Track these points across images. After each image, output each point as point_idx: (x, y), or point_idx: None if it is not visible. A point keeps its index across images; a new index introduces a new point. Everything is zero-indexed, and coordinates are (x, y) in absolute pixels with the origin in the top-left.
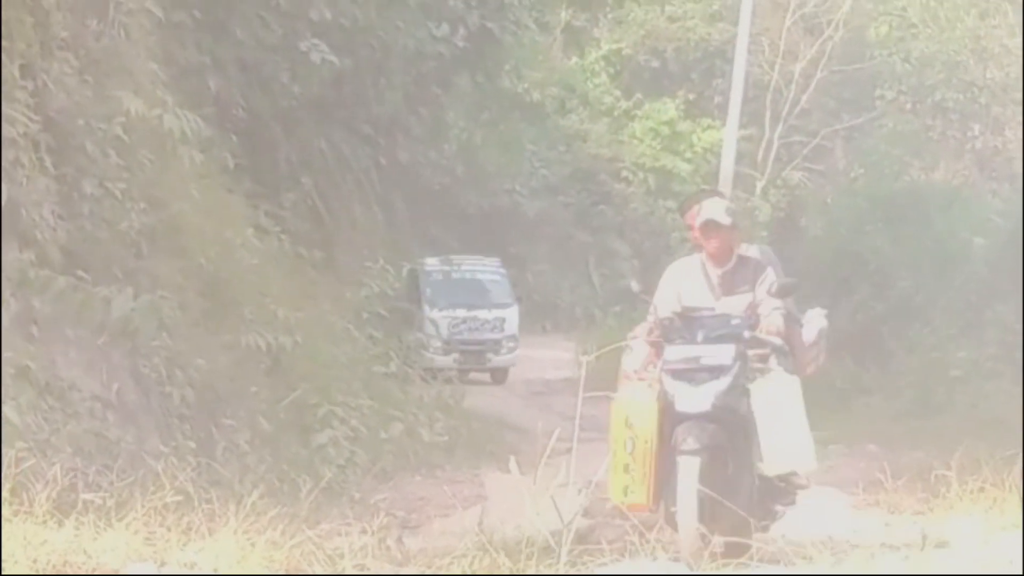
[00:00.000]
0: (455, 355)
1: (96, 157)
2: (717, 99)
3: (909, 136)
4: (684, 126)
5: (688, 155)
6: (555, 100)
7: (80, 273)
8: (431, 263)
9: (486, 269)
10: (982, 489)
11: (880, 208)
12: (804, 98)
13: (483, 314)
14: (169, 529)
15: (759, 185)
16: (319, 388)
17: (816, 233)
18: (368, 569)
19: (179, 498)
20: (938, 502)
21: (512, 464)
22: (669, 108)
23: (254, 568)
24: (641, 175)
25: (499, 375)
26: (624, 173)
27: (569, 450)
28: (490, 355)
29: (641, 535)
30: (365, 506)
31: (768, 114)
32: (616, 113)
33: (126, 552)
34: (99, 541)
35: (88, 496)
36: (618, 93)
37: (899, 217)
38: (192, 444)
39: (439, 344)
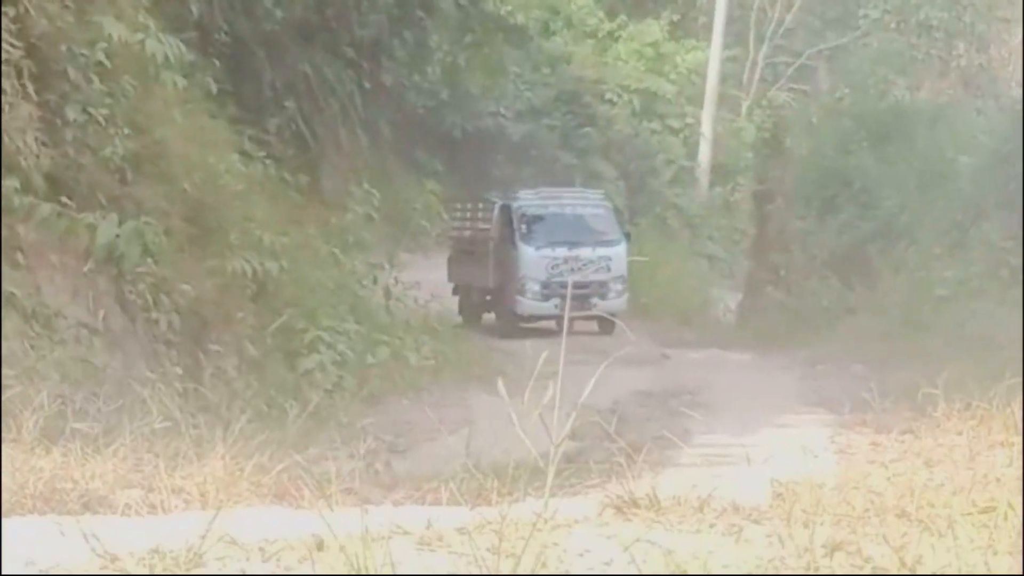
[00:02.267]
0: (555, 300)
1: (79, 83)
2: (701, 20)
3: (893, 55)
4: (668, 47)
5: (672, 76)
6: (539, 22)
7: (64, 200)
8: (525, 196)
9: (588, 202)
10: (968, 407)
11: (865, 127)
12: (789, 18)
13: (586, 252)
14: (157, 455)
15: (744, 106)
16: (305, 313)
17: (801, 153)
18: (356, 492)
19: (167, 424)
20: (925, 421)
21: (500, 386)
22: (653, 29)
23: (242, 492)
24: (626, 97)
25: (607, 324)
26: (608, 95)
27: (556, 372)
28: (595, 299)
29: (629, 457)
30: (352, 430)
31: (752, 34)
32: (600, 35)
33: (114, 478)
34: (87, 467)
35: (76, 424)
36: (602, 15)
37: (884, 136)
38: (179, 370)
39: (537, 288)
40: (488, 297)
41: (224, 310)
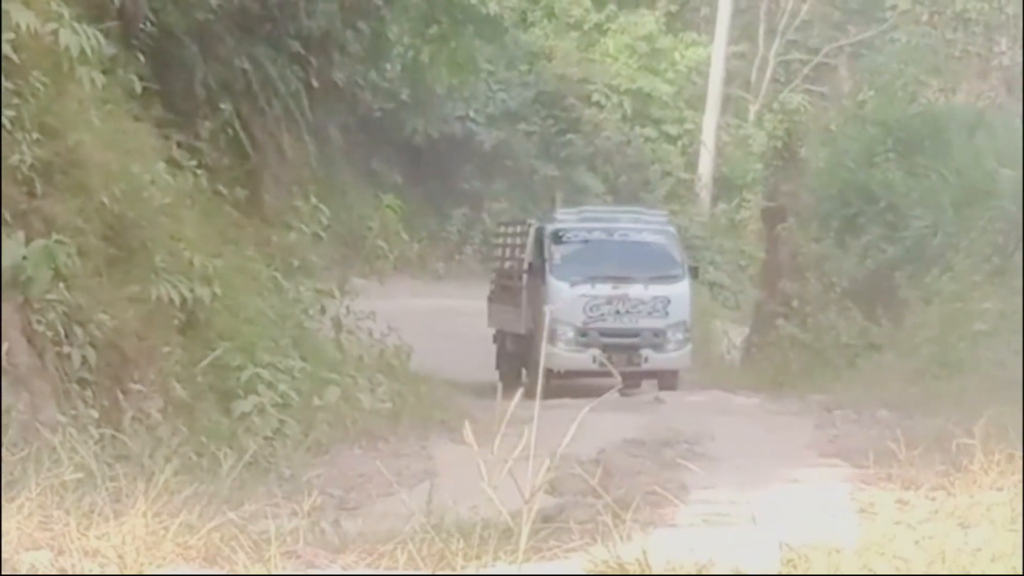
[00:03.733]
0: (594, 349)
1: None
2: (703, 10)
3: (926, 52)
4: (665, 42)
5: (670, 75)
6: (515, 12)
7: None
8: (563, 217)
9: (645, 226)
10: (1010, 459)
11: (892, 136)
12: (805, 8)
13: (637, 291)
14: (68, 511)
15: (753, 110)
16: (242, 347)
17: (818, 165)
18: (299, 555)
19: (79, 475)
20: (960, 475)
21: (467, 432)
22: (647, 21)
23: (166, 555)
24: (615, 98)
25: (668, 381)
26: (595, 96)
27: (531, 418)
28: (647, 352)
29: (616, 515)
30: (296, 484)
31: (763, 27)
32: (586, 27)
33: (18, 538)
34: None
35: None
36: (588, 4)
37: (914, 146)
38: (95, 413)
39: (571, 335)
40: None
41: (148, 344)
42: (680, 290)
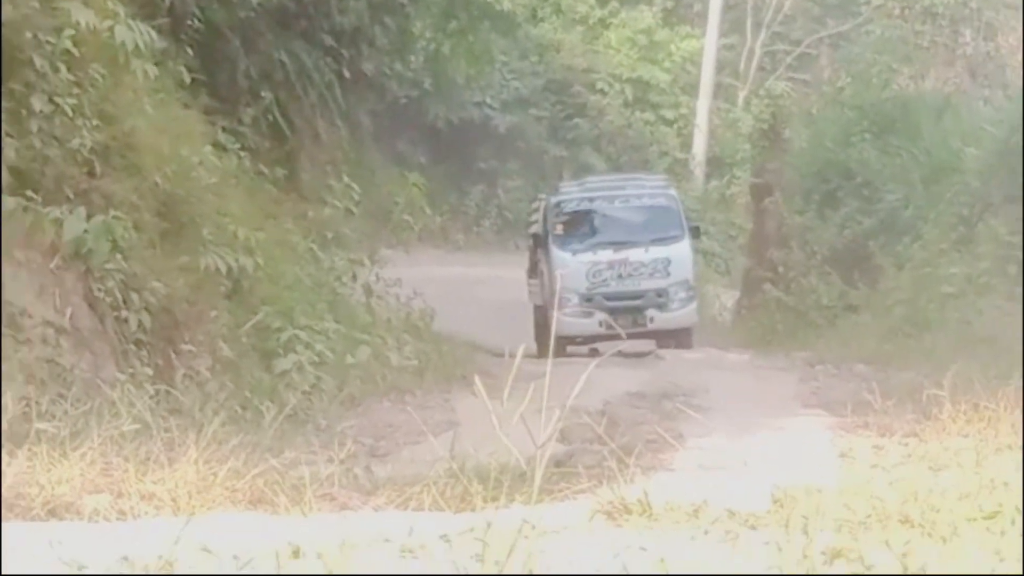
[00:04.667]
0: (600, 315)
1: (45, 72)
2: (696, 6)
3: (897, 43)
4: (662, 35)
5: (666, 65)
6: (527, 9)
7: (30, 193)
8: (566, 188)
9: (644, 191)
10: (975, 408)
11: (867, 118)
12: (788, 4)
13: (637, 254)
14: (127, 459)
15: (741, 96)
16: (282, 311)
17: (801, 145)
18: (335, 498)
19: (136, 427)
20: (930, 423)
21: (477, 386)
22: (646, 16)
23: (215, 498)
24: (617, 86)
25: (682, 341)
26: (599, 84)
27: (544, 374)
28: (652, 312)
29: (620, 460)
30: (331, 433)
31: (750, 22)
32: (591, 22)
33: (81, 483)
34: (53, 472)
35: (41, 426)
36: (592, 1)
37: (887, 127)
38: (149, 371)
39: (575, 301)
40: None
41: (197, 308)
42: (680, 250)
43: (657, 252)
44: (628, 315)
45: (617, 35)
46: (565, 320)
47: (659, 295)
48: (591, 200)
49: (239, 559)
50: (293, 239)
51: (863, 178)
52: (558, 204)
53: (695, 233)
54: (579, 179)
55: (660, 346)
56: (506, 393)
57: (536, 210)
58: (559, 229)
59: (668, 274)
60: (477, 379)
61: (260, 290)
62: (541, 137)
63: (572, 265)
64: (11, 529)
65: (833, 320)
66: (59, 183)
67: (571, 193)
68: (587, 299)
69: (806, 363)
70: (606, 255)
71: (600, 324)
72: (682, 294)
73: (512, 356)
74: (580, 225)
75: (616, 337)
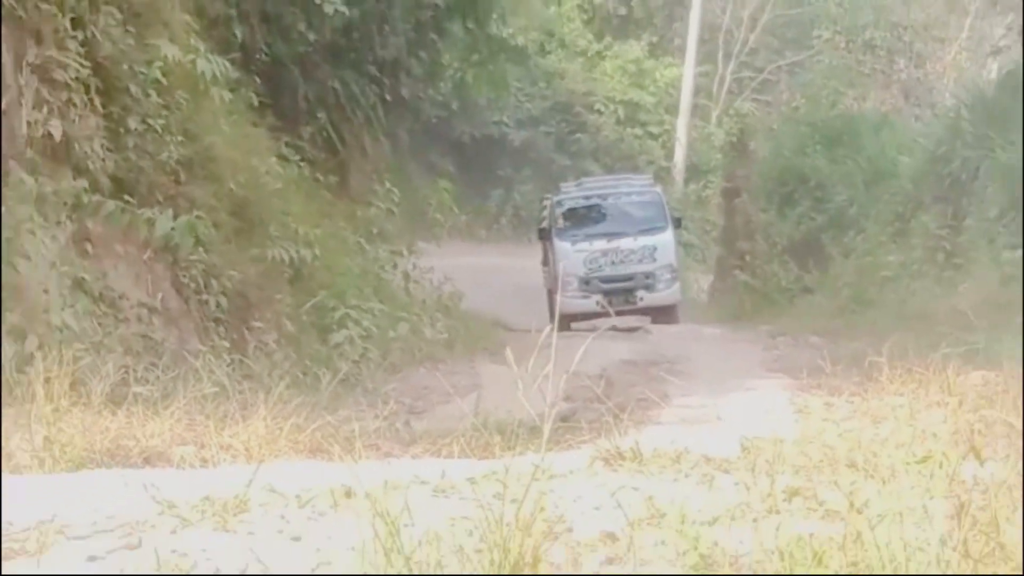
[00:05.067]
0: (596, 296)
1: (139, 97)
2: (676, 41)
3: (843, 70)
4: (648, 64)
5: (652, 89)
6: (536, 43)
7: (127, 198)
8: (565, 188)
9: (632, 189)
10: (909, 372)
11: (819, 133)
12: (752, 38)
13: (627, 243)
14: (208, 417)
15: (714, 114)
16: (335, 294)
17: (764, 155)
18: (379, 448)
19: (216, 390)
20: (871, 384)
21: (508, 355)
22: (635, 49)
23: (281, 448)
24: (612, 107)
25: (669, 316)
26: (597, 105)
27: (550, 344)
28: (641, 292)
29: (615, 416)
30: (377, 395)
31: (721, 53)
32: (589, 54)
33: (170, 437)
34: (147, 427)
35: (138, 389)
36: (591, 37)
37: (835, 140)
38: (226, 344)
39: (575, 285)
40: None
41: (265, 292)
42: (665, 238)
43: (644, 241)
44: (621, 295)
45: (611, 65)
46: (567, 300)
47: (647, 277)
48: (587, 198)
49: (301, 499)
50: (344, 234)
51: (815, 182)
52: (559, 202)
53: (678, 224)
54: (578, 180)
55: (653, 321)
56: (530, 363)
57: (544, 208)
58: (560, 223)
59: (654, 259)
60: (508, 351)
61: (317, 277)
62: (549, 149)
63: (572, 253)
64: (113, 474)
65: (791, 300)
66: (151, 189)
67: (571, 192)
68: (585, 282)
69: (769, 335)
70: (601, 244)
71: (597, 303)
72: (667, 276)
73: (538, 331)
74: (578, 219)
75: (619, 313)
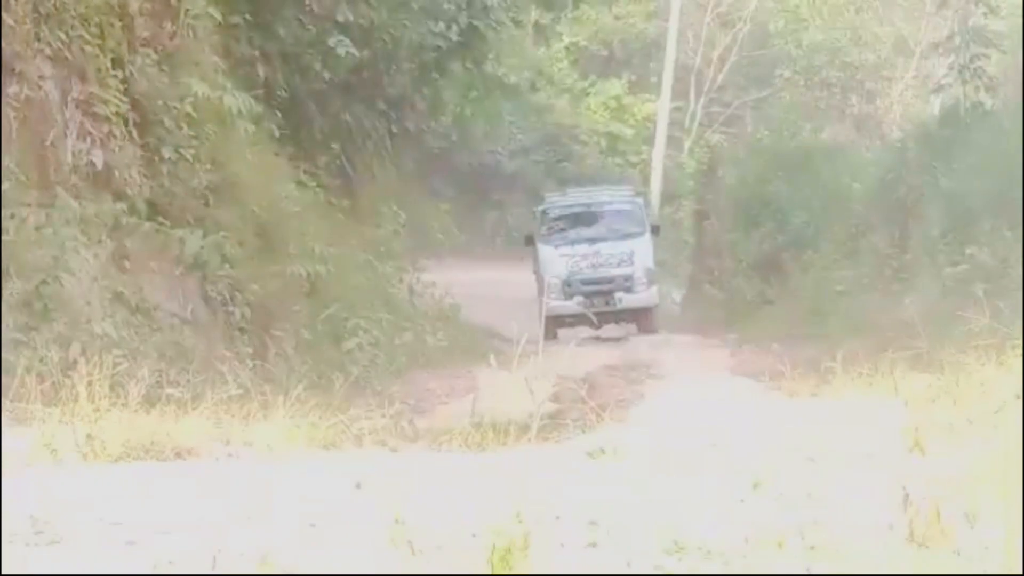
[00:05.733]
0: (578, 298)
1: (172, 129)
2: (653, 79)
3: (802, 106)
4: (628, 100)
5: (631, 123)
6: (527, 81)
7: (161, 219)
8: (552, 198)
9: (614, 198)
10: (860, 375)
11: (780, 162)
12: (720, 77)
13: (607, 248)
14: (233, 416)
15: (686, 145)
16: (347, 306)
17: (731, 182)
18: (386, 443)
19: (240, 392)
20: (826, 386)
21: (492, 359)
22: (616, 86)
23: (299, 444)
24: (595, 138)
25: (646, 322)
26: (581, 137)
27: (536, 352)
28: (620, 294)
29: (598, 415)
30: (384, 396)
31: (693, 90)
32: (575, 91)
33: (199, 434)
34: (178, 425)
35: (170, 391)
36: (576, 75)
37: (794, 168)
38: (250, 350)
39: (558, 286)
40: None
41: (284, 304)
42: (642, 243)
43: (623, 246)
44: (601, 297)
45: (594, 101)
46: (551, 303)
47: (625, 280)
48: (571, 206)
49: (299, 485)
50: (355, 252)
51: (776, 206)
52: (545, 210)
53: (655, 231)
54: (563, 191)
55: (629, 322)
56: (513, 366)
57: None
58: (545, 230)
59: (632, 263)
60: (492, 356)
61: (331, 290)
62: (538, 176)
63: (555, 258)
64: (146, 468)
65: (755, 311)
66: (182, 212)
67: (556, 202)
68: (568, 284)
69: (735, 343)
70: (582, 248)
71: (579, 304)
72: (644, 279)
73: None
74: (562, 226)
75: (595, 314)
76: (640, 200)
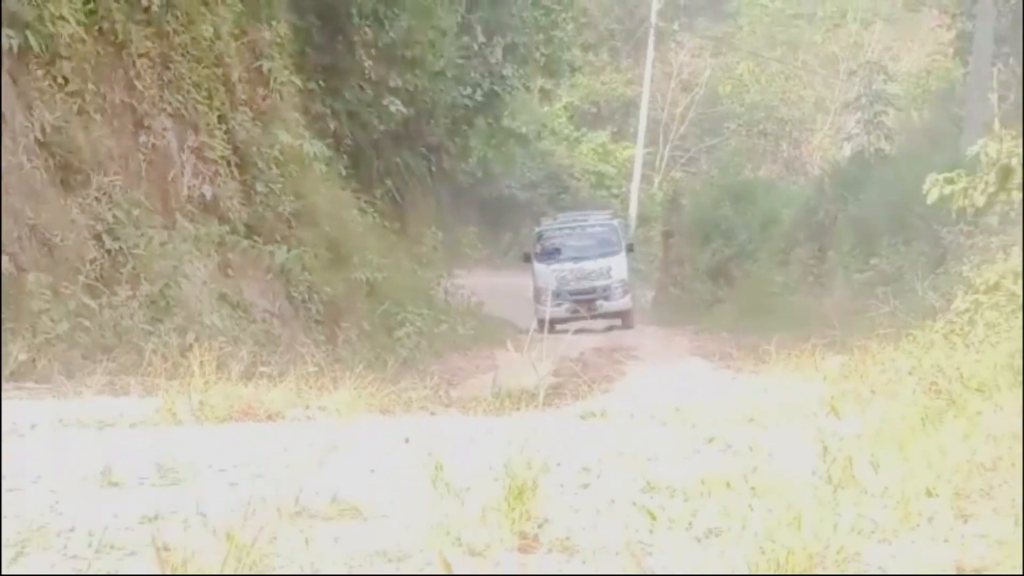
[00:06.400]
0: (566, 304)
1: (264, 169)
2: (631, 130)
3: (744, 150)
4: (611, 147)
5: (614, 164)
6: (534, 132)
7: (255, 238)
8: (545, 222)
9: (597, 222)
10: (789, 356)
11: (727, 193)
12: (682, 129)
13: (589, 264)
14: (310, 387)
15: (656, 181)
16: (397, 303)
17: (690, 208)
18: (428, 408)
19: (315, 369)
20: (764, 365)
21: (509, 345)
22: (602, 136)
23: (360, 409)
24: (586, 176)
25: (626, 320)
26: (576, 175)
27: (542, 339)
28: (600, 302)
29: (588, 387)
30: (426, 372)
31: (661, 139)
32: (571, 139)
33: (285, 401)
34: (270, 395)
35: (262, 369)
36: (571, 127)
37: (739, 198)
38: (323, 338)
39: (550, 296)
40: None
41: (349, 302)
42: (618, 260)
43: (603, 262)
44: (585, 304)
45: (586, 147)
46: (544, 309)
47: (604, 290)
48: (560, 230)
49: (362, 440)
50: (403, 263)
51: (725, 227)
52: (540, 233)
53: (630, 249)
54: (555, 216)
55: (613, 321)
56: (526, 350)
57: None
58: (539, 249)
59: (610, 276)
60: (508, 342)
61: (384, 292)
62: (543, 205)
63: (547, 272)
64: (244, 428)
65: (709, 308)
66: (272, 232)
67: (549, 226)
68: (557, 294)
69: (694, 332)
70: (569, 265)
71: (566, 310)
72: (620, 289)
73: (536, 331)
74: (553, 245)
75: (579, 318)
76: (616, 223)
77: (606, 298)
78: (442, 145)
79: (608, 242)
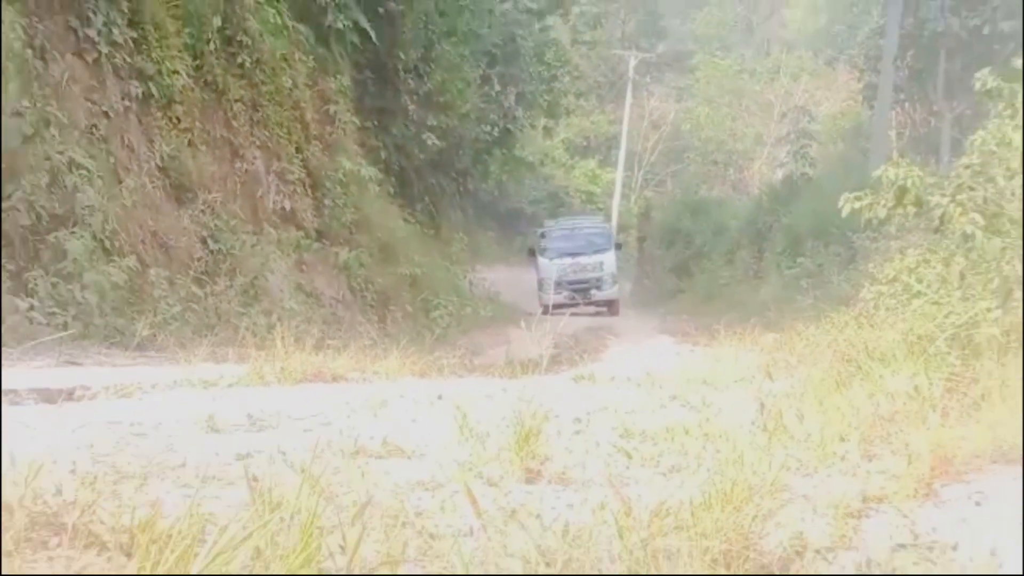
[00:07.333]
0: (565, 293)
1: (331, 188)
2: (613, 159)
3: (701, 174)
4: (598, 171)
5: (600, 184)
6: (539, 159)
7: (324, 241)
8: (549, 224)
9: (591, 225)
10: (735, 334)
11: (688, 208)
12: (652, 158)
13: (584, 259)
14: (366, 356)
15: (633, 198)
16: (433, 292)
17: (658, 219)
18: (457, 372)
19: (370, 343)
20: (715, 340)
21: (522, 324)
22: (591, 163)
23: (404, 373)
24: (579, 194)
25: (613, 308)
26: (571, 193)
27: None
28: (593, 291)
29: (580, 357)
30: (455, 345)
31: (636, 165)
32: (567, 166)
33: (347, 367)
34: (335, 362)
35: (329, 342)
36: (567, 156)
37: (697, 211)
38: (375, 319)
39: (552, 285)
40: None
41: (396, 291)
42: (609, 256)
43: (596, 258)
44: (581, 292)
45: (578, 172)
46: (546, 296)
47: (597, 281)
48: (560, 230)
49: (405, 397)
50: (438, 261)
51: (685, 233)
52: (543, 233)
53: (618, 247)
54: (556, 219)
55: (604, 308)
56: (533, 329)
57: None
58: (542, 246)
59: (602, 270)
60: (523, 322)
61: (424, 284)
62: (545, 216)
63: (549, 266)
64: (315, 387)
65: (673, 296)
66: (337, 237)
67: (551, 227)
68: (558, 284)
69: (662, 315)
70: (568, 260)
71: (565, 297)
72: (610, 280)
73: (541, 314)
74: (554, 244)
75: (576, 304)
76: (607, 226)
77: (598, 288)
78: (468, 170)
79: (600, 241)
